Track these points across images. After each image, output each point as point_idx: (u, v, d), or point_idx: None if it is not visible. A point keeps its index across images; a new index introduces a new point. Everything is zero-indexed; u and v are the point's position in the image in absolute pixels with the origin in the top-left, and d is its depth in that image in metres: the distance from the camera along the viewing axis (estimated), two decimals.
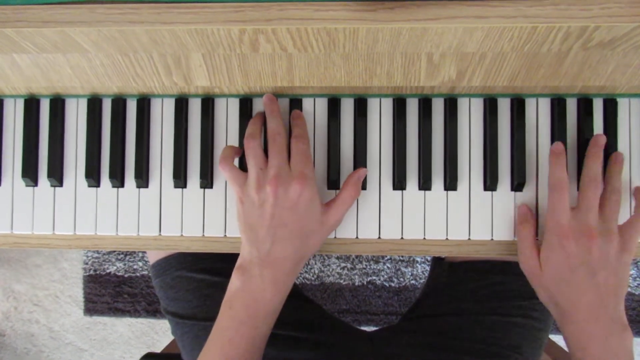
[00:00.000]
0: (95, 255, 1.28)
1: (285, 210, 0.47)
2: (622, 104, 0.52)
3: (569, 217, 0.47)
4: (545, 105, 0.52)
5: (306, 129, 0.51)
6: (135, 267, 1.26)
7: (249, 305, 0.47)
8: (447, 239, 0.52)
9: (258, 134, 0.50)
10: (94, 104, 0.54)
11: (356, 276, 1.22)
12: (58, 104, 0.54)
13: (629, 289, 1.19)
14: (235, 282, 0.48)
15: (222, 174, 0.51)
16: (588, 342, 0.46)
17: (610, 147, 0.51)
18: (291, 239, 0.47)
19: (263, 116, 0.52)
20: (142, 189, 0.54)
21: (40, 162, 0.54)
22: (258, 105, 0.53)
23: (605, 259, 0.46)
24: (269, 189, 0.47)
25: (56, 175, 0.53)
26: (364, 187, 0.52)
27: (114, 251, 1.26)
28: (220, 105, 0.53)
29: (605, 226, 0.47)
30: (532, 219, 0.50)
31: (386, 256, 1.21)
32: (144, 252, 1.25)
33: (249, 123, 0.51)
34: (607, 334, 0.45)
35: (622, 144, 0.52)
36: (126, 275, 1.26)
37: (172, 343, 0.84)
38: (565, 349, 0.77)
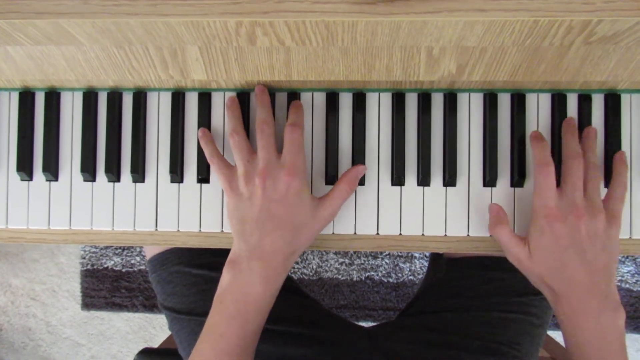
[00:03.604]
0: (93, 249, 1.27)
1: (273, 203, 0.47)
2: (624, 100, 0.51)
3: (556, 198, 0.47)
4: (545, 100, 0.52)
5: (303, 117, 0.51)
6: (132, 261, 1.26)
7: (238, 299, 0.47)
8: (445, 235, 0.52)
9: (240, 127, 0.50)
10: (90, 97, 0.53)
11: (354, 272, 1.22)
12: (53, 98, 0.53)
13: (628, 285, 1.19)
14: (225, 276, 0.48)
15: (213, 170, 0.51)
16: (581, 319, 0.46)
17: (612, 144, 0.51)
18: (280, 232, 0.47)
19: (238, 107, 0.51)
20: (138, 184, 0.53)
21: (35, 156, 0.54)
22: (255, 99, 0.53)
23: (594, 236, 0.46)
24: (258, 181, 0.47)
25: (51, 170, 0.53)
26: (362, 183, 0.52)
27: (111, 246, 1.26)
28: (217, 99, 0.53)
29: (590, 203, 0.47)
30: (506, 217, 0.50)
31: (384, 252, 1.21)
32: (141, 247, 1.25)
33: (228, 118, 0.51)
34: (600, 312, 0.45)
35: (623, 140, 0.51)
36: (124, 270, 1.26)
37: (170, 338, 0.84)
38: (563, 345, 0.77)
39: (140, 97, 0.53)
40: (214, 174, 0.53)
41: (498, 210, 0.50)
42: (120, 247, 1.26)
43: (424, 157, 0.51)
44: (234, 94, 0.52)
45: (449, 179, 0.51)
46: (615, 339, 0.45)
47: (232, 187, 0.48)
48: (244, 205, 0.47)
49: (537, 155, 0.48)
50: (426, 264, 1.21)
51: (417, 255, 1.21)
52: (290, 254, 0.48)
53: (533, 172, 0.49)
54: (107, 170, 0.53)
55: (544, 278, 0.47)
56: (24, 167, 0.53)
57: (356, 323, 0.69)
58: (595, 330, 0.45)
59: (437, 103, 0.52)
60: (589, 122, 0.51)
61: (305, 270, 1.23)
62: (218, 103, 0.53)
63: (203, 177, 0.53)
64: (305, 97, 0.53)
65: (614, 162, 0.50)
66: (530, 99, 0.52)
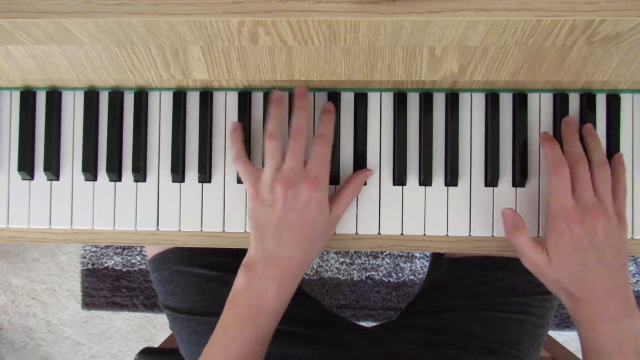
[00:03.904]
0: (93, 249, 1.27)
1: (293, 213, 0.46)
2: (625, 100, 0.51)
3: (571, 199, 0.46)
4: (547, 100, 0.52)
5: (332, 127, 0.50)
6: (133, 261, 1.26)
7: (252, 304, 0.47)
8: (447, 235, 0.52)
9: (280, 133, 0.48)
10: (91, 96, 0.53)
11: (355, 271, 1.22)
12: (54, 97, 0.53)
13: None
14: (240, 280, 0.48)
15: (237, 170, 0.50)
16: (601, 324, 0.45)
17: (613, 144, 0.51)
18: (297, 242, 0.47)
19: (284, 109, 0.50)
20: (139, 183, 0.53)
21: (37, 155, 0.54)
22: (257, 99, 0.53)
23: (610, 237, 0.46)
24: (280, 189, 0.46)
25: (52, 169, 0.53)
26: (364, 183, 0.52)
27: (112, 245, 1.25)
28: (218, 98, 0.53)
29: (603, 205, 0.46)
30: (522, 222, 0.49)
31: (385, 251, 1.21)
32: (142, 247, 1.25)
33: (270, 117, 0.49)
34: (621, 314, 0.45)
35: (625, 140, 0.51)
36: (124, 270, 1.26)
37: (170, 337, 0.84)
38: (564, 345, 0.77)
39: (141, 97, 0.53)
40: (216, 173, 0.53)
41: (513, 215, 0.49)
42: (120, 247, 1.26)
43: (425, 156, 0.51)
44: (280, 92, 0.50)
45: (451, 179, 0.51)
46: (633, 342, 0.45)
47: (257, 192, 0.48)
48: (266, 212, 0.47)
49: (551, 157, 0.48)
50: (427, 263, 1.21)
51: (417, 255, 1.21)
52: (305, 262, 0.48)
53: (547, 174, 0.48)
54: (109, 170, 0.52)
55: (564, 283, 0.47)
56: (25, 167, 0.53)
57: (357, 323, 0.69)
58: (615, 335, 0.45)
59: (439, 103, 0.52)
60: (591, 122, 0.51)
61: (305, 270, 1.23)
62: (219, 103, 0.53)
63: (204, 176, 0.52)
64: None
65: (612, 165, 0.50)
66: (532, 99, 0.52)
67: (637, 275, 1.19)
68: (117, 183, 0.53)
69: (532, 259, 0.48)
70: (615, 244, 0.46)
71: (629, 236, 0.51)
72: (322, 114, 0.50)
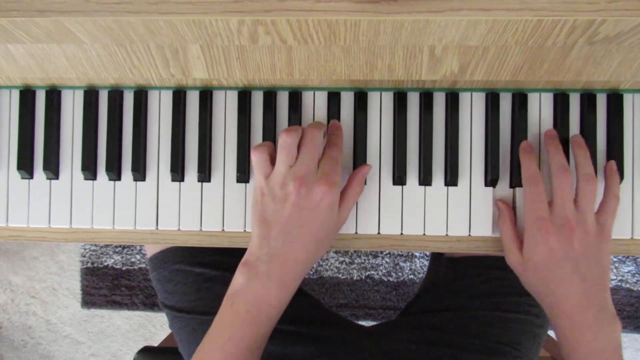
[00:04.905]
0: (93, 248, 1.27)
1: (304, 212, 0.46)
2: (626, 100, 0.51)
3: (548, 210, 0.46)
4: (548, 100, 0.52)
5: (342, 139, 0.51)
6: (132, 260, 1.26)
7: (252, 304, 0.46)
8: (447, 234, 0.52)
9: (298, 132, 0.48)
10: (91, 95, 0.53)
11: (354, 270, 1.22)
12: (54, 96, 0.53)
13: (628, 285, 1.19)
14: (239, 278, 0.46)
15: (252, 159, 0.48)
16: (579, 334, 0.45)
17: (614, 144, 0.51)
18: (304, 242, 0.46)
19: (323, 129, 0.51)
20: (139, 183, 0.53)
21: (36, 154, 0.54)
22: (256, 98, 0.52)
23: (586, 250, 0.46)
24: (293, 186, 0.45)
25: (52, 168, 0.53)
26: (364, 180, 0.52)
27: (111, 244, 1.25)
28: (218, 97, 0.53)
29: (582, 217, 0.46)
30: (510, 213, 0.50)
31: (385, 251, 1.21)
32: (142, 245, 1.25)
33: (297, 128, 0.49)
34: (598, 325, 0.45)
35: (625, 140, 0.51)
36: (124, 268, 1.26)
37: (170, 336, 0.84)
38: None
39: (141, 96, 0.53)
40: (216, 173, 0.53)
41: (502, 207, 0.50)
42: (120, 246, 1.26)
43: (425, 156, 0.51)
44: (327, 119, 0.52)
45: (451, 179, 0.51)
46: (614, 351, 0.45)
47: (268, 186, 0.47)
48: (275, 208, 0.46)
49: (527, 169, 0.48)
50: (427, 263, 1.21)
51: (417, 254, 1.21)
52: (309, 263, 0.48)
53: (523, 184, 0.49)
54: (108, 169, 0.52)
55: (537, 287, 0.47)
56: (25, 166, 0.53)
57: (356, 322, 0.69)
58: (594, 345, 0.45)
59: (439, 102, 0.52)
60: (592, 123, 0.51)
61: None
62: (219, 102, 0.53)
63: (204, 176, 0.52)
64: (307, 96, 0.52)
65: (605, 174, 0.49)
66: (533, 99, 0.51)
67: (637, 275, 1.19)
68: (117, 182, 0.53)
69: (510, 254, 0.49)
70: (592, 257, 0.46)
71: (629, 236, 0.51)
72: (331, 130, 0.51)
